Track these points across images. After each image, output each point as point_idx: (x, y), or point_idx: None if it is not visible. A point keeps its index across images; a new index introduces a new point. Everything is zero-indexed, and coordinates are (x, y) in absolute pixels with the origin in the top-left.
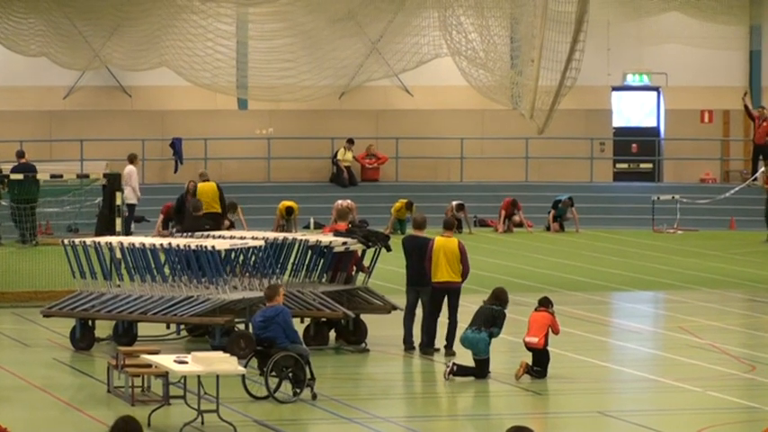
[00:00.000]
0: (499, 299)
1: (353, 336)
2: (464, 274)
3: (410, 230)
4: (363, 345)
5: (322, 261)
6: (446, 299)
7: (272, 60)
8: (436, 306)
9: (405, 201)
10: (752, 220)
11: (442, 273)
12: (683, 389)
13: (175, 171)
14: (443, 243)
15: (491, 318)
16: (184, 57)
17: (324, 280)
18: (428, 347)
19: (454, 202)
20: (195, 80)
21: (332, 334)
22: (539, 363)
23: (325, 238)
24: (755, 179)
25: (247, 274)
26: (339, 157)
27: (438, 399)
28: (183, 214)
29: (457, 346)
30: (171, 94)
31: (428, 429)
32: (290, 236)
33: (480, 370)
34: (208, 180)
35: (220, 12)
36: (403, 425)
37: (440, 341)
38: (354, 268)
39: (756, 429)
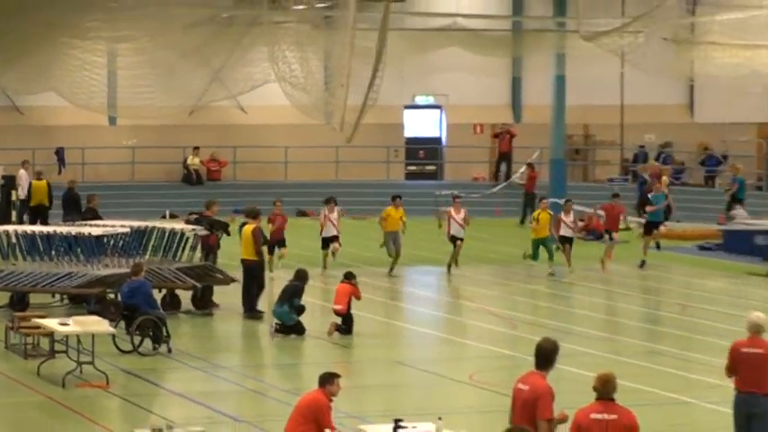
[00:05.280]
0: (299, 277)
1: (201, 302)
2: (257, 254)
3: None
4: (209, 309)
5: (176, 244)
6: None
7: (135, 86)
8: (247, 278)
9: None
10: (511, 210)
11: (243, 252)
12: (463, 343)
13: (59, 173)
14: (245, 229)
15: (292, 292)
16: (67, 83)
17: (177, 258)
18: (252, 312)
19: None
20: (75, 101)
21: (186, 300)
22: (345, 323)
23: (179, 225)
24: (516, 179)
25: (116, 255)
26: (189, 161)
27: (266, 351)
28: (71, 207)
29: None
30: (56, 113)
31: (258, 375)
32: (150, 224)
33: (296, 330)
34: (41, 179)
35: (95, 47)
36: (239, 372)
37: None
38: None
39: (516, 373)
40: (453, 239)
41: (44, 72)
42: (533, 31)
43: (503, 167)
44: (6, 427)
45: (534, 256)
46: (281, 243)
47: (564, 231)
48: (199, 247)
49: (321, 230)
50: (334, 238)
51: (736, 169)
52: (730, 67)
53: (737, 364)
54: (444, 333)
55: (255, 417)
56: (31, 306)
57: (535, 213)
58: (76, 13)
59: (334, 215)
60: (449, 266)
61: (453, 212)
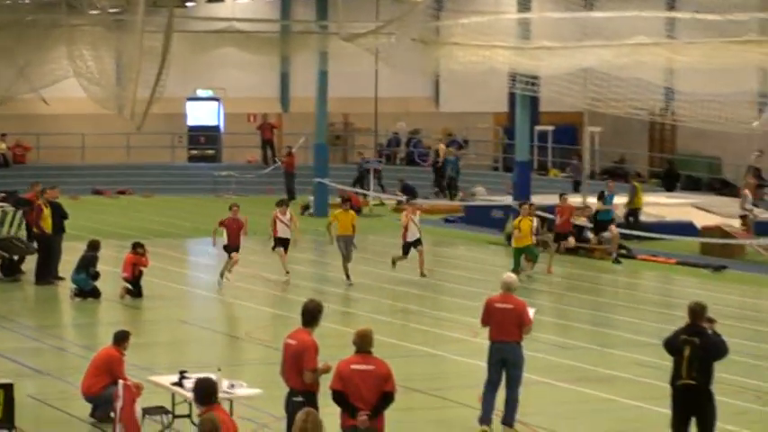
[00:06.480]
0: (93, 247)
1: (9, 270)
2: (37, 227)
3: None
4: (17, 276)
5: None
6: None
7: None
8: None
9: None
10: (280, 188)
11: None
12: (239, 304)
13: None
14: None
15: (87, 261)
16: None
17: None
18: (52, 278)
19: None
20: None
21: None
22: (135, 287)
23: None
24: (280, 161)
25: None
26: None
27: (66, 312)
28: None
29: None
30: None
31: (60, 333)
32: None
33: (93, 294)
34: None
35: None
36: (42, 331)
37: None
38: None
39: (285, 330)
40: (409, 246)
41: None
42: (299, 33)
43: (268, 152)
44: None
45: (516, 265)
46: (236, 248)
47: None
48: (7, 220)
49: (273, 233)
50: (286, 241)
51: (448, 152)
52: (471, 65)
53: (491, 317)
54: (223, 296)
55: (58, 370)
56: None
57: (516, 221)
58: None
59: (287, 217)
60: (422, 274)
61: (411, 214)
